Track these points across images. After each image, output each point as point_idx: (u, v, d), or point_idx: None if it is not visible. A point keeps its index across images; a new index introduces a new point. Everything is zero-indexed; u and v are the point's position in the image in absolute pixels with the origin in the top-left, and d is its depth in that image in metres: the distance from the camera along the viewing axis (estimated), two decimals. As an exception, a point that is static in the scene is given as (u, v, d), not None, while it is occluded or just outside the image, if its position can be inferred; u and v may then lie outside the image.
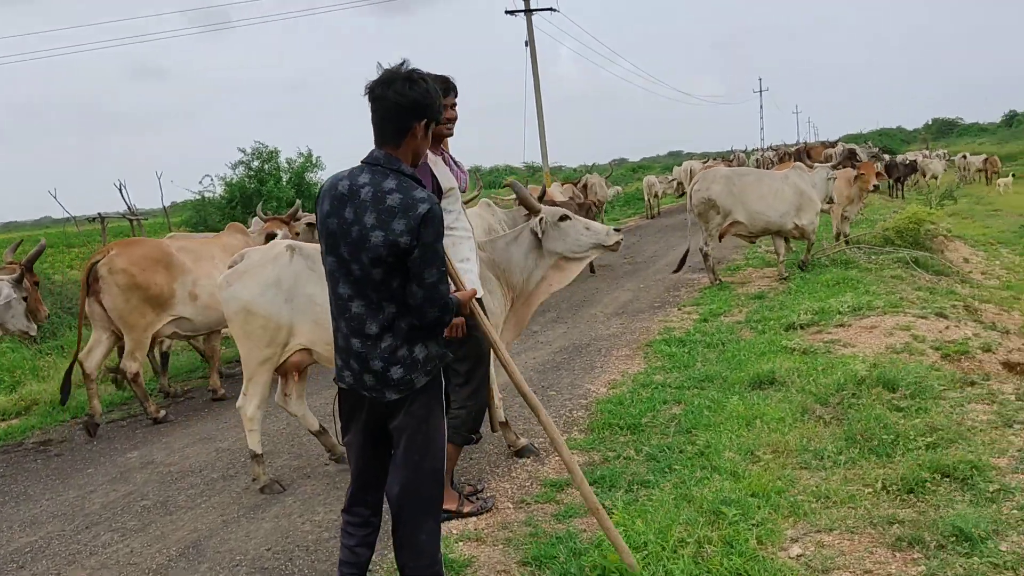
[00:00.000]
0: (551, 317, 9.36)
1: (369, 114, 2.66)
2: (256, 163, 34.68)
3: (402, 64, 2.62)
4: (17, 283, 6.15)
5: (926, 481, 3.65)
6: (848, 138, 69.51)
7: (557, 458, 4.63)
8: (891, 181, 27.80)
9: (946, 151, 42.51)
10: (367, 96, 2.63)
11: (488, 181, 55.39)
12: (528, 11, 24.44)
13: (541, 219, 4.47)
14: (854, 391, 4.98)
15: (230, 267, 4.59)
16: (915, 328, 6.94)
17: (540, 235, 4.46)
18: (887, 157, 35.09)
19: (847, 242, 11.77)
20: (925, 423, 4.30)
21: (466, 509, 4.05)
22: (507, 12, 24.63)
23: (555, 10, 24.84)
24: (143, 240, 7.55)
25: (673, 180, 25.51)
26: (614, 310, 9.41)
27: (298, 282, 4.42)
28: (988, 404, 4.75)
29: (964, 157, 36.42)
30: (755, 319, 8.02)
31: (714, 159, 31.60)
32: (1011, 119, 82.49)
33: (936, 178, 34.21)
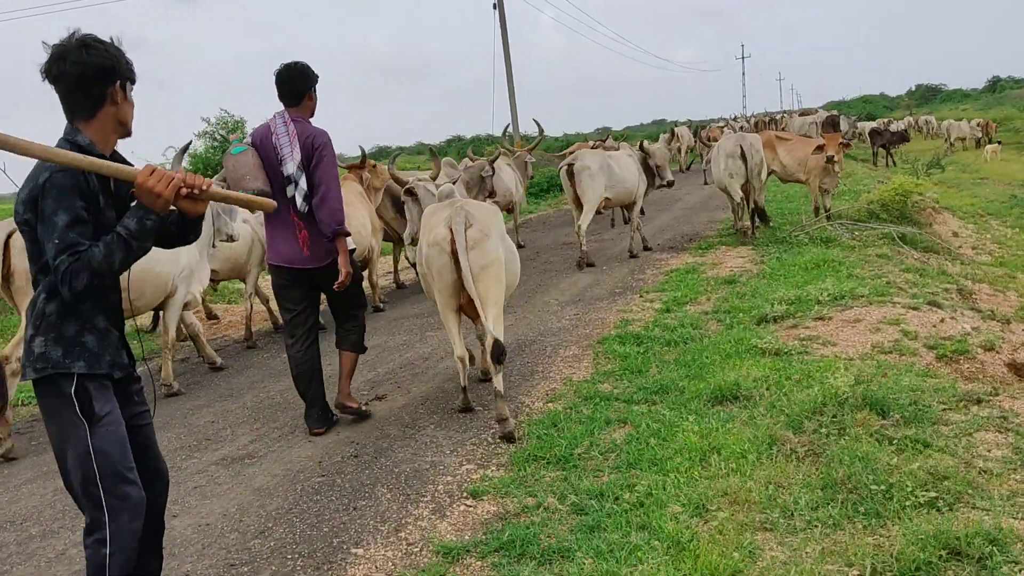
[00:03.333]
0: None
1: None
2: (222, 133, 33.47)
3: (72, 35, 2.47)
4: None
5: (931, 562, 2.71)
6: (831, 105, 68.68)
7: (462, 508, 3.68)
8: (875, 149, 26.93)
9: (931, 117, 41.61)
10: (45, 79, 2.47)
11: (466, 151, 54.18)
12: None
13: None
14: (834, 413, 4.04)
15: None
16: (905, 321, 6.01)
17: None
18: (869, 125, 34.20)
19: (828, 217, 10.83)
20: (925, 468, 3.35)
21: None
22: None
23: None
24: None
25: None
26: (571, 297, 8.43)
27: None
28: (1000, 432, 3.82)
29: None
30: (723, 309, 7.08)
31: (708, 126, 30.58)
32: (994, 85, 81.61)
33: (963, 140, 33.39)
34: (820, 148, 10.73)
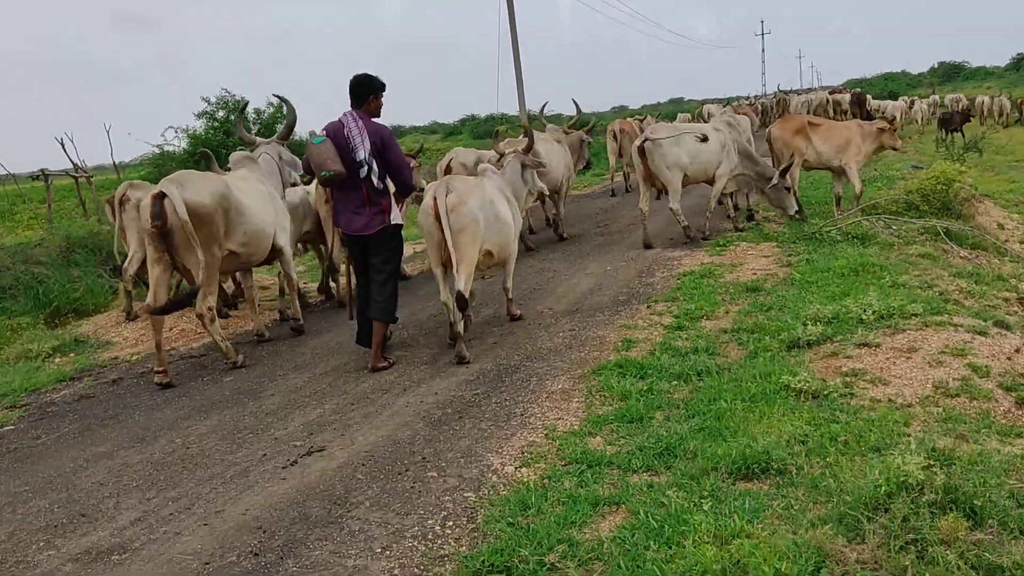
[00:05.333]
0: (486, 315, 7.26)
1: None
2: (222, 113, 32.38)
3: None
4: None
5: None
6: (852, 83, 66.72)
7: None
8: (944, 134, 25.43)
9: (961, 95, 39.89)
10: None
11: (483, 131, 53.04)
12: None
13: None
14: (905, 514, 2.89)
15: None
16: (972, 351, 4.85)
17: None
18: (891, 104, 32.71)
19: (863, 211, 9.62)
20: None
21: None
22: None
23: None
24: None
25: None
26: (567, 306, 7.30)
27: None
28: None
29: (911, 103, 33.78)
30: (746, 327, 5.94)
31: (737, 103, 29.28)
32: (1019, 62, 79.20)
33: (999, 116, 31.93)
34: (881, 131, 9.82)
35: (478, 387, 5.28)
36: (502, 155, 7.67)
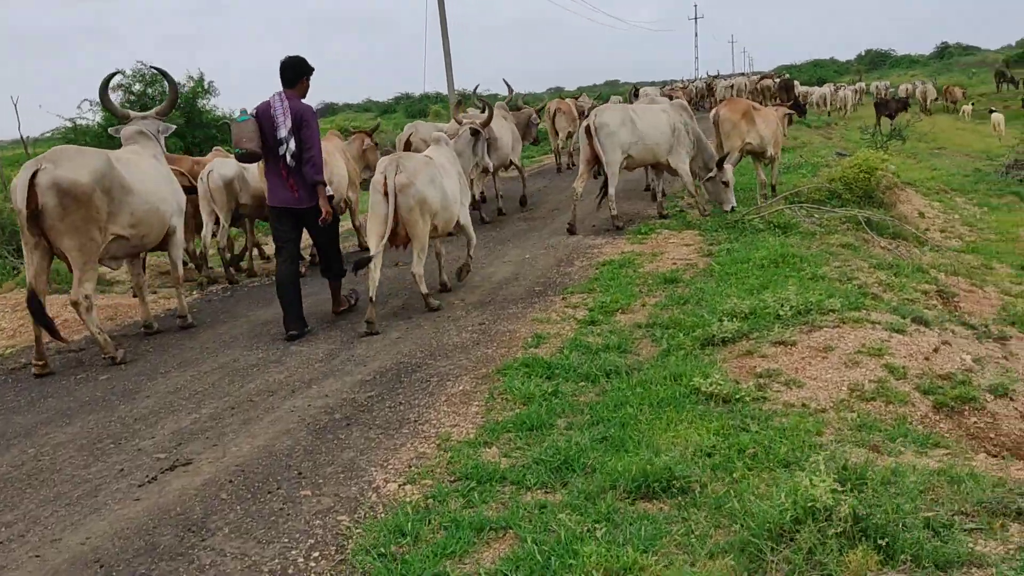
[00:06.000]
0: (394, 306, 6.86)
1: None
2: (138, 87, 30.95)
3: None
4: None
5: None
6: (782, 69, 67.69)
7: None
8: (879, 119, 25.79)
9: (887, 83, 40.72)
10: None
11: (417, 110, 52.18)
12: (429, -86, 21.18)
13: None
14: (811, 545, 2.61)
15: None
16: (890, 351, 4.66)
17: None
18: (817, 91, 33.13)
19: (786, 199, 9.48)
20: None
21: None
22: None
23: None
24: None
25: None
26: (481, 297, 6.94)
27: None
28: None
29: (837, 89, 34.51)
30: (661, 322, 5.67)
31: (670, 86, 29.26)
32: (943, 51, 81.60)
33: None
34: (787, 115, 9.59)
35: (373, 388, 4.88)
36: (460, 124, 8.14)
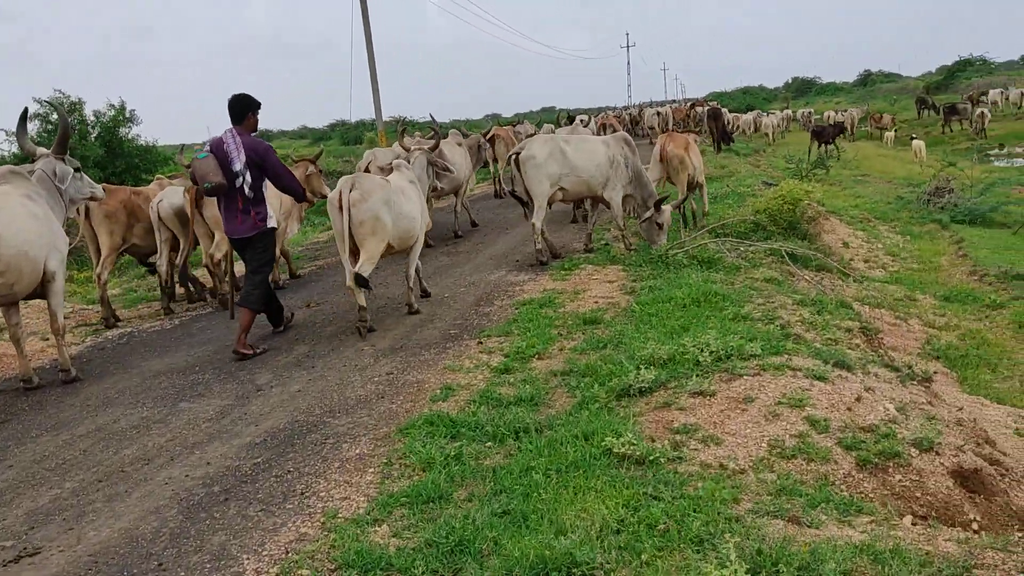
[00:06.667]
0: (299, 354, 6.43)
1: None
2: (55, 116, 29.88)
3: None
4: None
5: None
6: (713, 95, 69.13)
7: None
8: (818, 146, 26.20)
9: (811, 110, 41.73)
10: None
11: (352, 136, 51.64)
12: (355, -59, 20.93)
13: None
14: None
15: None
16: (811, 401, 4.42)
17: None
18: (748, 117, 33.72)
19: (711, 231, 9.34)
20: None
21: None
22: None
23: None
24: None
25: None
26: (393, 342, 6.56)
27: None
28: None
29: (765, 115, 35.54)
30: (577, 368, 5.38)
31: (604, 114, 29.32)
32: (865, 79, 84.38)
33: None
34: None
35: (261, 453, 4.46)
36: (408, 150, 8.85)
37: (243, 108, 6.53)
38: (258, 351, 6.49)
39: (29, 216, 5.87)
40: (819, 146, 26.09)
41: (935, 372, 6.44)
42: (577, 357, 5.66)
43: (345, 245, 6.47)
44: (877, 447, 3.99)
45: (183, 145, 13.98)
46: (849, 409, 4.39)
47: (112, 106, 29.07)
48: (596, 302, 7.20)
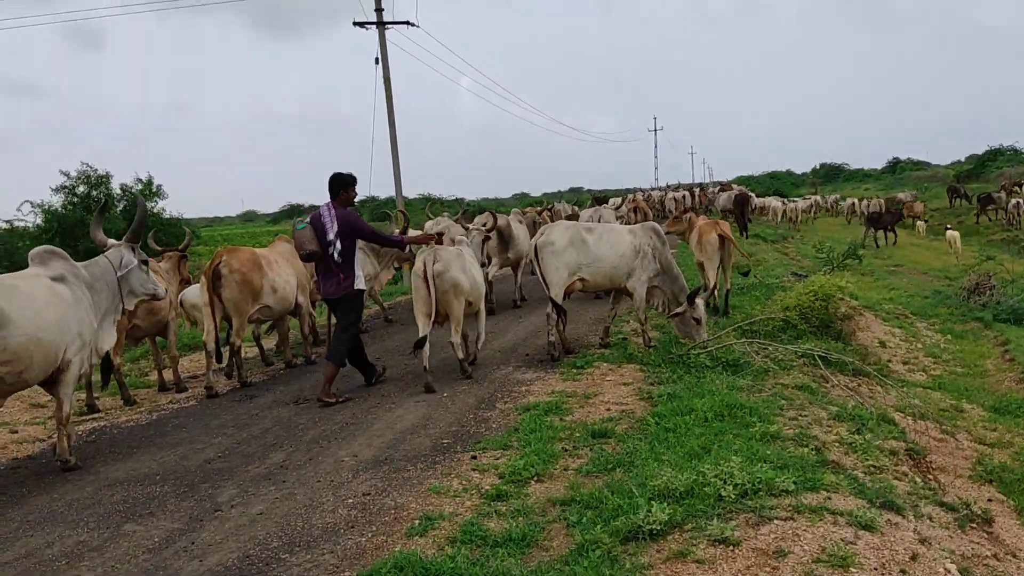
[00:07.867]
0: (272, 464, 5.76)
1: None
2: (82, 188, 29.92)
3: None
4: None
5: None
6: (740, 180, 69.12)
7: None
8: (874, 232, 25.57)
9: (837, 195, 41.24)
10: None
11: (381, 213, 51.93)
12: (381, 24, 21.02)
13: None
14: None
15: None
16: (855, 557, 3.67)
17: None
18: (774, 201, 33.21)
19: (737, 330, 8.64)
20: None
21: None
22: (356, 24, 21.11)
23: (413, 24, 21.46)
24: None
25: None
26: (376, 452, 5.87)
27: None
28: None
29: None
30: (581, 498, 4.64)
31: (632, 196, 28.95)
32: (894, 166, 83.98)
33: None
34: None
35: (197, 603, 3.76)
36: (467, 229, 10.85)
37: (338, 185, 7.38)
38: (341, 399, 7.27)
39: (53, 300, 5.59)
40: (874, 232, 25.41)
41: (991, 500, 5.66)
42: (582, 481, 4.94)
43: (430, 310, 7.31)
44: (941, 630, 3.22)
45: (216, 217, 13.80)
46: (903, 572, 3.62)
47: (139, 180, 29.20)
48: (608, 409, 6.50)
